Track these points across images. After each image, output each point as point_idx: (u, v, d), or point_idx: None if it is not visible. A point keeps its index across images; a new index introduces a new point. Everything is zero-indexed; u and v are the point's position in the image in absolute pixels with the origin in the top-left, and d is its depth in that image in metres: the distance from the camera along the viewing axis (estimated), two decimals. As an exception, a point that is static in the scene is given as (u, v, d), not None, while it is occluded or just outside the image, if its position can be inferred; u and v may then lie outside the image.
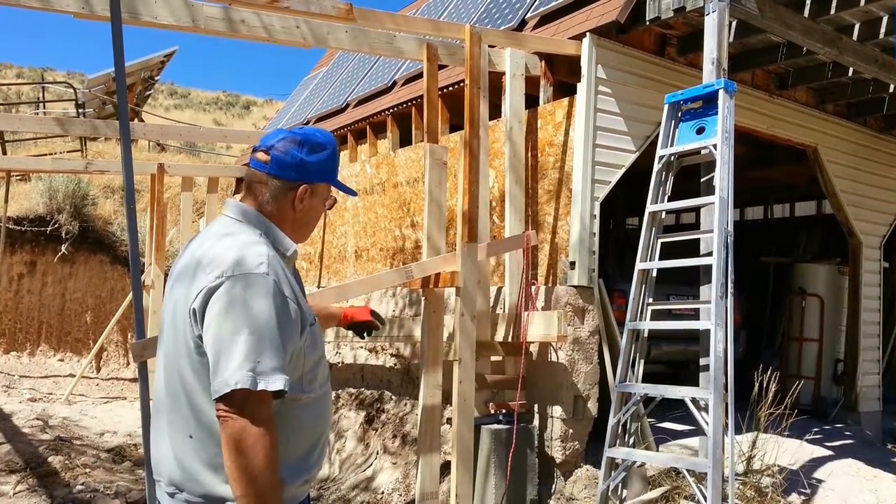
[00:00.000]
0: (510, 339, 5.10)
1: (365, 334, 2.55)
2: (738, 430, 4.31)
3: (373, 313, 2.53)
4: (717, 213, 3.88)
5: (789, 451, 5.25)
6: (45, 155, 13.96)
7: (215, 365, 1.62)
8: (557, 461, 4.90)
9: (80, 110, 15.62)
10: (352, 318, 2.51)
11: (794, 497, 4.84)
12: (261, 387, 1.61)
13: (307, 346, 1.80)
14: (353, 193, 2.15)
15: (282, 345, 1.67)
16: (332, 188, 2.04)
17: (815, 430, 5.39)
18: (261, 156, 1.87)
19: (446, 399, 5.08)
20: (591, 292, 5.07)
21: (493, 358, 5.13)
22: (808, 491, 4.99)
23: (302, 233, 1.98)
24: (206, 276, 1.67)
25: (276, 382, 1.63)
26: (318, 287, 8.11)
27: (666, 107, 4.32)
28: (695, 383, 4.01)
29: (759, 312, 9.62)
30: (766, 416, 4.76)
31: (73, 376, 9.96)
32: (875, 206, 7.56)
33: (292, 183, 1.88)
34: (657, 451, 4.86)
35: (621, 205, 10.58)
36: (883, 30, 5.39)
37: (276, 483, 1.62)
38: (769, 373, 4.86)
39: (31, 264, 11.08)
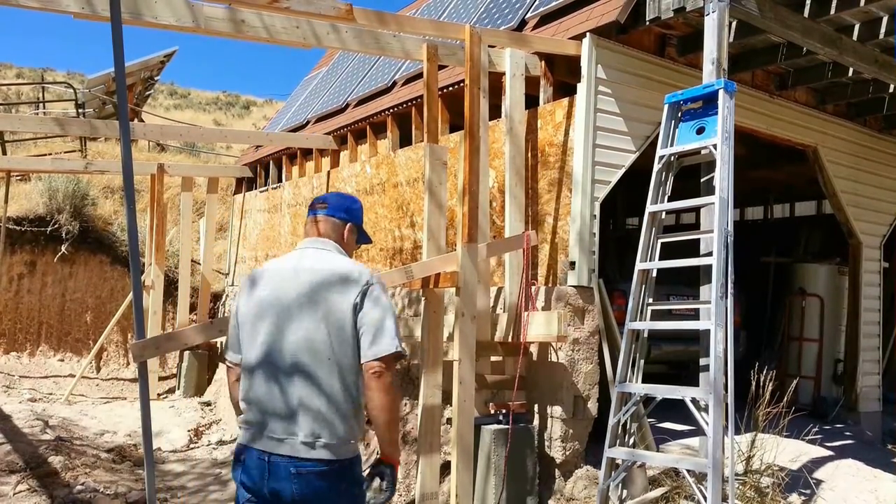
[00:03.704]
0: (510, 339, 5.10)
1: None
2: (738, 430, 4.31)
3: None
4: (717, 213, 3.88)
5: (789, 451, 5.25)
6: (45, 155, 13.96)
7: (375, 337, 2.39)
8: (557, 461, 4.91)
9: (80, 110, 15.62)
10: None
11: (794, 497, 4.84)
12: (400, 351, 2.44)
13: None
14: (369, 241, 2.96)
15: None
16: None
17: (815, 430, 5.38)
18: (319, 205, 2.73)
19: (446, 399, 5.08)
20: (591, 292, 5.07)
21: (493, 358, 5.13)
22: (808, 491, 4.99)
23: None
24: (358, 283, 2.46)
25: (406, 349, 2.35)
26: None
27: (666, 107, 4.32)
28: (695, 383, 4.01)
29: (759, 313, 9.62)
30: (763, 416, 4.76)
31: (73, 376, 9.96)
32: (875, 207, 7.56)
33: (342, 222, 2.72)
34: (657, 451, 4.86)
35: (621, 205, 10.60)
36: (883, 30, 5.39)
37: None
38: (765, 372, 4.86)
39: (31, 264, 11.09)
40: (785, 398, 4.87)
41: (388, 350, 2.38)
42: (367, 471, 2.51)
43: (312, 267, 2.52)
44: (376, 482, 2.47)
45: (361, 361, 2.40)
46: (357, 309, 2.43)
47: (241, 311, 2.54)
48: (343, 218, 2.71)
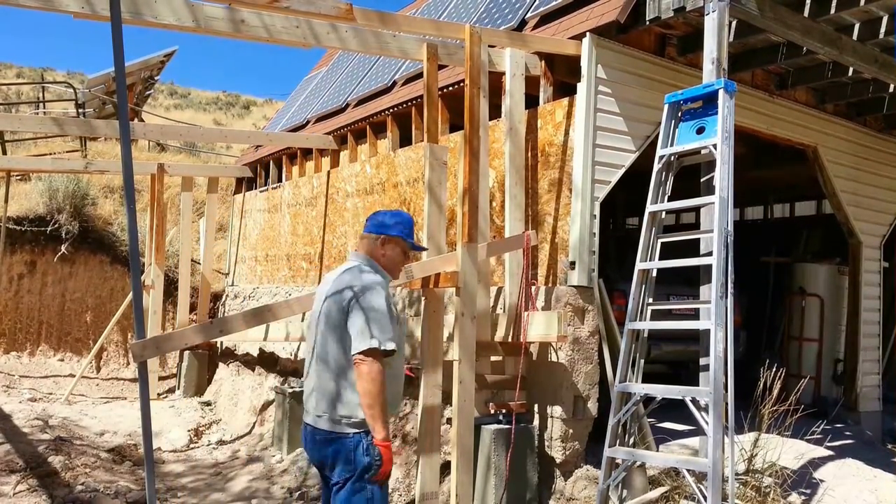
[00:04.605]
0: (510, 339, 5.10)
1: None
2: (738, 430, 4.31)
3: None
4: (717, 213, 3.88)
5: (789, 451, 5.25)
6: (45, 155, 13.97)
7: (357, 336, 2.94)
8: (557, 461, 4.91)
9: (80, 110, 15.62)
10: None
11: (794, 497, 4.84)
12: (375, 346, 2.94)
13: (397, 333, 3.09)
14: (423, 249, 3.53)
15: (392, 325, 3.00)
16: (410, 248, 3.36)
17: (815, 429, 5.38)
18: (366, 223, 3.34)
19: (446, 399, 5.08)
20: (591, 292, 5.07)
21: (493, 358, 5.13)
22: (808, 491, 4.99)
23: (392, 273, 3.30)
24: (351, 290, 3.03)
25: (390, 343, 2.96)
26: (318, 287, 8.11)
27: (666, 106, 4.32)
28: (695, 383, 4.01)
29: (760, 312, 9.63)
30: (769, 415, 4.76)
31: (73, 376, 9.96)
32: (875, 206, 7.56)
33: (375, 236, 3.26)
34: (657, 450, 4.86)
35: (621, 205, 10.60)
36: (883, 29, 5.39)
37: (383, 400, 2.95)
38: (773, 371, 4.85)
39: (31, 264, 11.09)
40: (791, 397, 4.86)
41: (365, 346, 2.91)
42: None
43: (332, 279, 3.19)
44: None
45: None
46: (347, 313, 3.00)
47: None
48: (376, 232, 3.26)
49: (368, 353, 2.91)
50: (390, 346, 2.95)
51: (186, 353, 9.83)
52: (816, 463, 5.49)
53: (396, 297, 6.66)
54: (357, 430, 3.00)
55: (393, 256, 3.26)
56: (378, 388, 2.89)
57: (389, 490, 5.42)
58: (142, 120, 17.85)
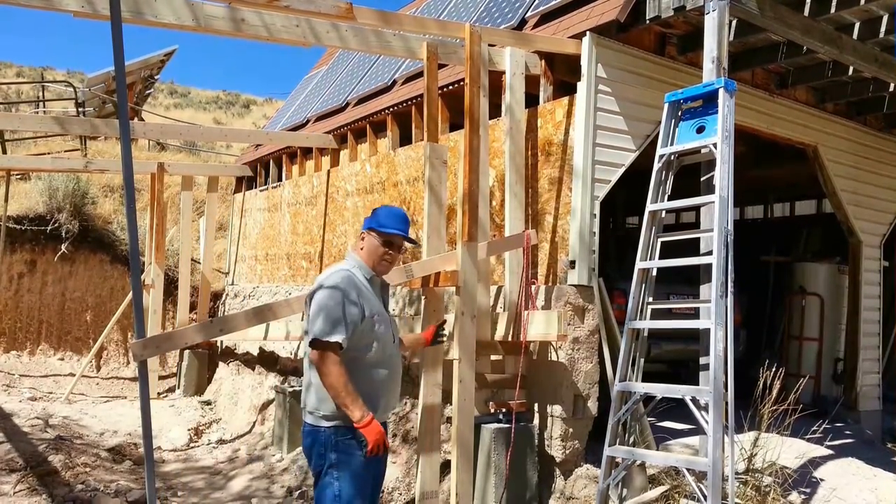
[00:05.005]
0: (510, 339, 5.10)
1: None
2: (738, 429, 4.31)
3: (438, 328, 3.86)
4: (717, 212, 3.88)
5: (789, 450, 5.25)
6: (45, 154, 13.96)
7: (309, 330, 3.07)
8: (557, 460, 4.91)
9: (80, 109, 15.61)
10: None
11: (794, 496, 4.84)
12: (317, 337, 3.05)
13: (366, 330, 3.14)
14: (412, 241, 3.42)
15: (343, 320, 3.05)
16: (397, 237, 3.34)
17: (815, 429, 5.38)
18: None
19: (446, 398, 5.08)
20: (591, 291, 5.07)
21: (493, 357, 5.13)
22: (808, 490, 4.99)
23: (373, 266, 3.31)
24: (313, 288, 3.17)
25: (333, 337, 3.03)
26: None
27: (666, 106, 4.32)
28: (695, 382, 4.01)
29: (760, 312, 9.62)
30: (769, 414, 4.75)
31: (74, 375, 9.96)
32: (875, 205, 7.55)
33: (362, 233, 3.37)
34: (657, 449, 4.86)
35: (621, 204, 10.59)
36: (883, 28, 5.38)
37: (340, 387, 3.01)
38: (773, 370, 4.85)
39: (31, 263, 11.09)
40: (791, 396, 4.86)
41: (309, 339, 3.06)
42: None
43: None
44: None
45: None
46: (308, 308, 3.15)
47: None
48: (363, 229, 3.36)
49: (313, 345, 3.03)
50: (335, 338, 3.00)
51: (186, 352, 9.83)
52: (816, 462, 5.48)
53: (397, 296, 6.66)
54: (329, 424, 3.08)
55: (369, 249, 3.29)
56: (332, 379, 2.98)
57: (390, 489, 5.42)
58: (142, 119, 17.85)
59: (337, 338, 3.02)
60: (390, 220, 3.33)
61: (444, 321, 4.01)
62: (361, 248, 3.32)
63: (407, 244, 3.48)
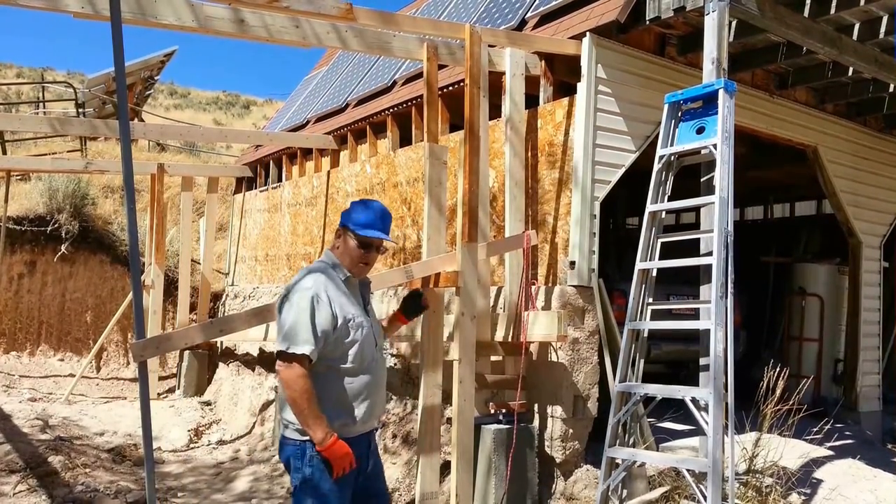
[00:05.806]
0: (510, 339, 5.10)
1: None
2: (739, 430, 4.31)
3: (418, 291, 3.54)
4: (717, 212, 3.88)
5: (790, 451, 5.25)
6: (45, 155, 13.96)
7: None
8: (557, 461, 4.91)
9: (80, 110, 15.61)
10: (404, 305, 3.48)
11: (794, 497, 4.84)
12: (282, 349, 2.80)
13: (341, 337, 2.87)
14: (385, 238, 3.04)
15: (312, 329, 2.77)
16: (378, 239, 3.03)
17: (815, 429, 5.38)
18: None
19: (446, 399, 5.08)
20: (591, 292, 5.07)
21: (493, 358, 5.13)
22: (808, 491, 4.99)
23: (349, 268, 3.02)
24: (281, 294, 2.93)
25: (299, 348, 2.76)
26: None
27: (666, 106, 4.32)
28: (695, 383, 4.01)
29: (760, 312, 9.62)
30: (771, 415, 4.75)
31: (73, 376, 9.95)
32: (875, 206, 7.56)
33: (340, 229, 3.05)
34: (657, 450, 4.86)
35: (621, 205, 10.58)
36: (883, 29, 5.39)
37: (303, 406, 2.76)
38: (776, 371, 4.84)
39: (31, 264, 11.08)
40: (794, 397, 4.86)
41: (276, 350, 2.83)
42: None
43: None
44: None
45: None
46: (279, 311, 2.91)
47: None
48: (339, 225, 3.07)
49: (279, 356, 2.79)
50: (302, 349, 2.74)
51: (186, 352, 9.83)
52: (816, 462, 5.48)
53: (398, 296, 6.65)
54: (304, 438, 2.82)
55: (345, 248, 3.01)
56: (296, 394, 2.73)
57: (390, 490, 5.42)
58: (142, 120, 17.84)
59: (304, 349, 2.75)
60: (367, 217, 2.99)
61: (419, 289, 3.79)
62: (337, 248, 3.03)
63: (387, 244, 3.13)
